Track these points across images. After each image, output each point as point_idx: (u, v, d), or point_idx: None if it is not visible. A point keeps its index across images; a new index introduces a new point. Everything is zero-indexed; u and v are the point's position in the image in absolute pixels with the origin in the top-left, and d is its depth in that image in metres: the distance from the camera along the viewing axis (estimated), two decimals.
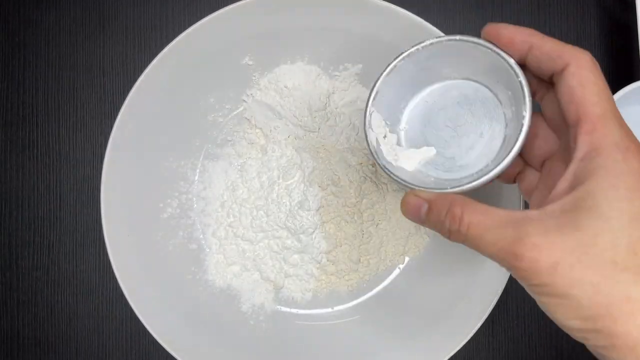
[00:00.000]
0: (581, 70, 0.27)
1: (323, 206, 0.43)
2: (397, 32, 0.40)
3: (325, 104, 0.43)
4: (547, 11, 0.45)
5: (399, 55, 0.32)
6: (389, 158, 0.33)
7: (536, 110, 0.30)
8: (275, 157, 0.43)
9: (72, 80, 0.45)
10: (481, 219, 0.27)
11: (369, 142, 0.33)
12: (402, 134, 0.35)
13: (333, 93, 0.43)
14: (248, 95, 0.44)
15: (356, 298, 0.44)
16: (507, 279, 0.39)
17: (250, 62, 0.43)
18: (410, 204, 0.30)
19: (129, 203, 0.41)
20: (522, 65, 0.29)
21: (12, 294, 0.45)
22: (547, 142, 0.31)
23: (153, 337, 0.39)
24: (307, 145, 0.43)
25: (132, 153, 0.41)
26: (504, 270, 0.39)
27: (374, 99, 0.33)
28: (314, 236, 0.43)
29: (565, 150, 0.29)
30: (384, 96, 0.33)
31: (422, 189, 0.30)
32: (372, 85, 0.33)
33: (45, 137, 0.45)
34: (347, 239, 0.43)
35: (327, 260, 0.43)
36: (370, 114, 0.33)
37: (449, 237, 0.29)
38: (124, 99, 0.39)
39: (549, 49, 0.28)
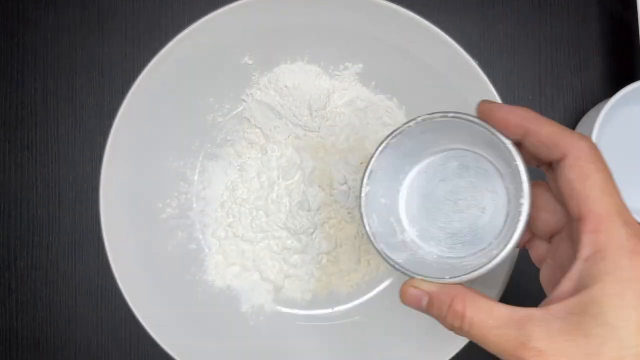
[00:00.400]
0: (580, 162, 0.25)
1: (323, 206, 0.43)
2: (398, 31, 0.40)
3: (325, 104, 0.43)
4: (548, 11, 0.45)
5: (391, 133, 0.31)
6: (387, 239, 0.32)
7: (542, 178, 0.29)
8: (275, 157, 0.43)
9: (71, 80, 0.45)
10: (484, 318, 0.26)
11: (365, 224, 0.31)
12: (401, 209, 0.34)
13: (333, 93, 0.43)
14: (248, 95, 0.44)
15: (356, 298, 0.44)
16: (508, 280, 0.39)
17: (250, 62, 0.43)
18: (410, 295, 0.29)
19: (128, 203, 0.41)
20: (520, 145, 0.28)
21: (10, 294, 0.45)
22: (553, 215, 0.29)
23: (152, 338, 0.39)
24: (307, 145, 0.43)
25: (131, 153, 0.41)
26: (505, 271, 0.39)
27: (368, 177, 0.32)
28: (314, 236, 0.43)
29: (572, 228, 0.27)
30: (379, 173, 0.32)
31: (421, 277, 0.29)
32: (366, 164, 0.32)
33: (44, 137, 0.45)
34: (347, 239, 0.43)
35: (327, 261, 0.43)
36: (366, 195, 0.32)
37: (452, 331, 0.28)
38: (122, 98, 0.39)
39: (545, 137, 0.26)
